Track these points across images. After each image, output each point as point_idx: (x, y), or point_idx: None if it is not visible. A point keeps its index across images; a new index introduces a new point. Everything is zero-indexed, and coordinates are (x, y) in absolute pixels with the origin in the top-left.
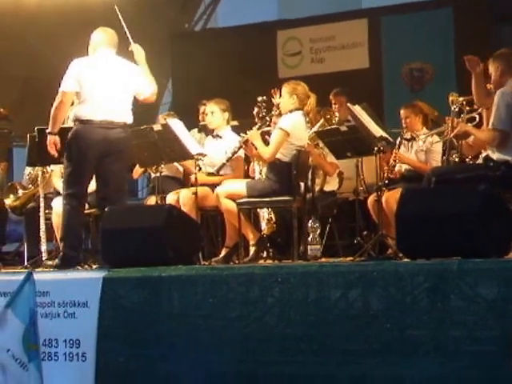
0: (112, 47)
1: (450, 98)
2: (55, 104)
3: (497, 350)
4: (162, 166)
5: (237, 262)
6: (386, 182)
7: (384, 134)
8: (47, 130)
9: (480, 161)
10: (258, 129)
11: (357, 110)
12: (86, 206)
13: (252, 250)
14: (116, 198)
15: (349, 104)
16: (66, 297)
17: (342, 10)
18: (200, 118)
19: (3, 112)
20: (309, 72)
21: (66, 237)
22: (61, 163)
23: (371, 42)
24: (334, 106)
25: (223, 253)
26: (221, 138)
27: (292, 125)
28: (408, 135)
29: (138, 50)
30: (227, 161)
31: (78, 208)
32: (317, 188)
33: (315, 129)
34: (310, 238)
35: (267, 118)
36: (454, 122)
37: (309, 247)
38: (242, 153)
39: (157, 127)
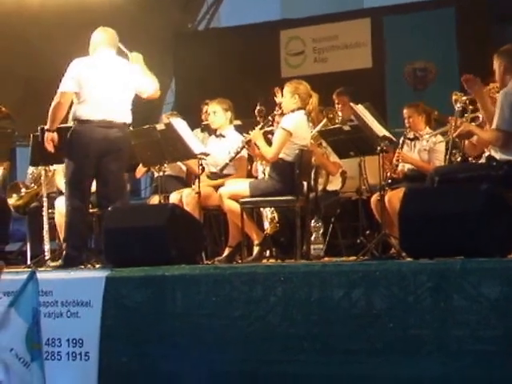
0: (112, 47)
1: (454, 97)
2: (53, 104)
3: (500, 349)
4: (165, 165)
5: (240, 261)
6: (389, 181)
7: (387, 134)
8: (45, 127)
9: (483, 160)
10: (261, 129)
11: (360, 109)
12: (90, 205)
13: (256, 250)
14: (116, 197)
15: (352, 103)
16: (69, 296)
17: (344, 9)
18: (203, 117)
19: (4, 111)
20: (312, 72)
21: (69, 237)
22: (63, 162)
23: (374, 41)
24: (337, 105)
25: (226, 252)
26: (224, 137)
27: (294, 124)
28: (411, 135)
29: (135, 57)
30: (230, 161)
31: (80, 208)
32: (320, 187)
33: (318, 128)
34: (312, 238)
35: (269, 118)
36: (458, 121)
37: (312, 247)
38: (245, 152)
39: (160, 127)
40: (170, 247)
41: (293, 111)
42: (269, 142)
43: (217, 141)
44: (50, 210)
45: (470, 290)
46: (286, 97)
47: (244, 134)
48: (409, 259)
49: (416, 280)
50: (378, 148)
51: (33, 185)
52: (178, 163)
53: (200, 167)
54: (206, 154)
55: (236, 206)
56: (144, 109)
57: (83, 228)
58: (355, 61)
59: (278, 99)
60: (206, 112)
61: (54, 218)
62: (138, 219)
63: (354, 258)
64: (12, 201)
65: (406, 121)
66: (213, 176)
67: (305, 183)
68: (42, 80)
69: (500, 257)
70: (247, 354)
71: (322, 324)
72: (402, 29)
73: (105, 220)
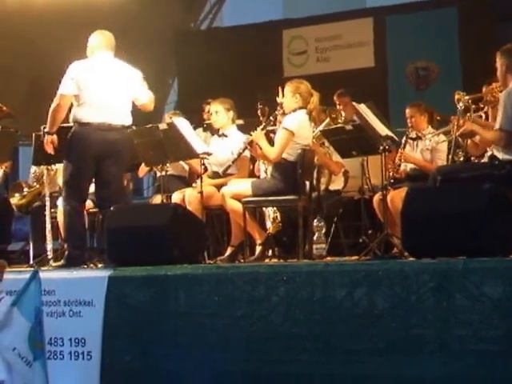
0: (110, 50)
1: (456, 97)
2: (53, 106)
3: (502, 349)
4: (168, 164)
5: (242, 260)
6: (392, 181)
7: (389, 133)
8: (45, 130)
9: (485, 160)
10: (263, 129)
11: (362, 108)
12: (92, 204)
13: (258, 249)
14: (117, 199)
15: (354, 102)
16: (72, 295)
17: (347, 9)
18: (205, 116)
19: (5, 110)
20: (314, 71)
21: (69, 237)
22: None
23: (376, 41)
24: (338, 107)
25: (228, 252)
26: (226, 137)
27: (297, 124)
28: (413, 134)
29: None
30: (233, 162)
31: (78, 208)
32: (322, 187)
33: (321, 128)
34: (315, 237)
35: (271, 118)
36: (460, 121)
37: (314, 246)
38: (247, 152)
39: (162, 126)
40: (172, 247)
41: (294, 111)
42: (271, 142)
43: (219, 140)
44: (52, 210)
45: (473, 290)
46: (287, 96)
47: (246, 136)
48: (411, 259)
49: (418, 280)
50: (381, 147)
51: (35, 184)
52: (181, 163)
53: (202, 167)
54: (209, 154)
55: (238, 206)
56: None
57: (82, 228)
58: (358, 60)
59: (279, 99)
60: (208, 111)
61: (56, 218)
62: (141, 219)
63: (357, 257)
64: (14, 200)
65: (408, 120)
66: (215, 176)
67: (307, 183)
68: (46, 80)
69: (502, 256)
70: (249, 353)
71: (325, 323)
72: (404, 28)
73: (107, 219)
